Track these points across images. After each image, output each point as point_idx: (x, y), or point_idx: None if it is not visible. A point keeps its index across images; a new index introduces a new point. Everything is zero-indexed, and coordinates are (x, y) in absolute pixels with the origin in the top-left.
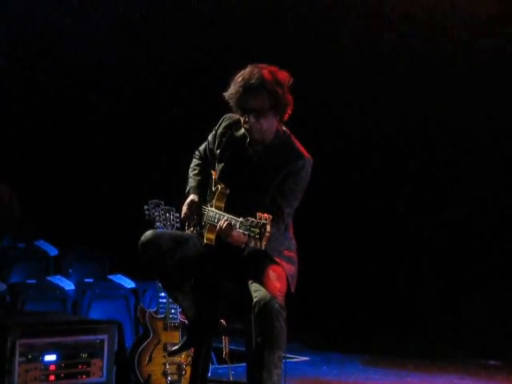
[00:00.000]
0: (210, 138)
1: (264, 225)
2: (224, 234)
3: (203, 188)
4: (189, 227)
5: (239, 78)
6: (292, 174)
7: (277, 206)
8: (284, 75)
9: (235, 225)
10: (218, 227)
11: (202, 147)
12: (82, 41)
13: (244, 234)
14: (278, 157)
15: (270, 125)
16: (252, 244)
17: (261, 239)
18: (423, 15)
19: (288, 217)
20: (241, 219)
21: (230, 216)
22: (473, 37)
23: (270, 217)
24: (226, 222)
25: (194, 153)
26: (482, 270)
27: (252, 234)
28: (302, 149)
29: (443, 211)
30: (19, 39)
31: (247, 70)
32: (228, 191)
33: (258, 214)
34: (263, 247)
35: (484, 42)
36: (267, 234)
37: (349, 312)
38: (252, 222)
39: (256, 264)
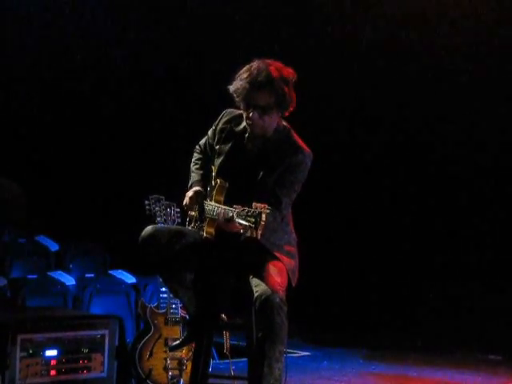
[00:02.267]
0: (209, 133)
1: (259, 214)
2: (224, 225)
3: (205, 182)
4: (190, 223)
5: (246, 73)
6: (291, 168)
7: (275, 196)
8: (289, 72)
9: (232, 215)
10: (218, 218)
11: (202, 141)
12: (85, 38)
13: (240, 223)
14: (277, 151)
15: (272, 121)
16: (248, 233)
17: (256, 228)
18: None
19: (285, 207)
20: (237, 210)
21: (226, 207)
22: None
23: (266, 206)
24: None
25: (195, 147)
26: (482, 263)
27: (247, 224)
28: (301, 143)
29: (443, 205)
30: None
31: (254, 65)
32: (227, 185)
33: (253, 203)
34: (259, 236)
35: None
36: (262, 223)
37: (349, 307)
38: (248, 211)
39: (256, 259)
